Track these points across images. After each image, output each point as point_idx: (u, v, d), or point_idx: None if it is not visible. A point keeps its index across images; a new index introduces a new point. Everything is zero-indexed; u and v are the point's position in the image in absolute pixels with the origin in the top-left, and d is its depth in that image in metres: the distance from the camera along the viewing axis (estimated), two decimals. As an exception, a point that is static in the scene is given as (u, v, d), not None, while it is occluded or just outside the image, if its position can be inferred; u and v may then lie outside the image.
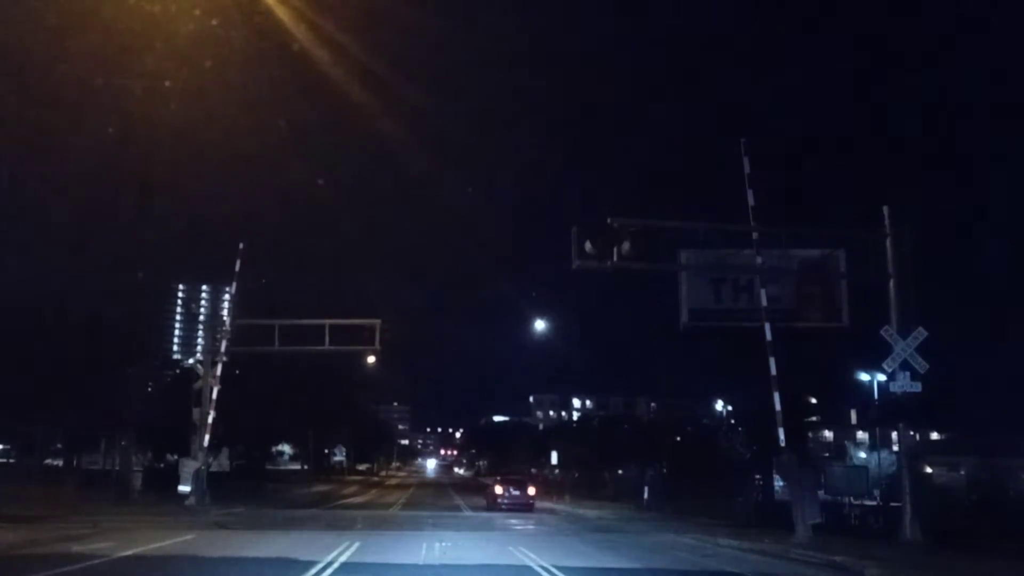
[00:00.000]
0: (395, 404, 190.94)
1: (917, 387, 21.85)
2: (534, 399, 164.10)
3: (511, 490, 40.78)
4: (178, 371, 52.87)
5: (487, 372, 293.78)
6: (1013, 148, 59.89)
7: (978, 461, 36.58)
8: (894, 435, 31.49)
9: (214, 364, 32.92)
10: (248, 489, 43.58)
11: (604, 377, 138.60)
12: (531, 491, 41.59)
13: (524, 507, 38.72)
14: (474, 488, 77.28)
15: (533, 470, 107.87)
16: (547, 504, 45.03)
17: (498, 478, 46.40)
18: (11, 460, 48.34)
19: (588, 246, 21.29)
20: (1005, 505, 26.42)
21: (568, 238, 21.73)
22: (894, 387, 22.23)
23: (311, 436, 68.26)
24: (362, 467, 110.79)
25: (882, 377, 25.44)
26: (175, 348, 35.16)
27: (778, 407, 23.41)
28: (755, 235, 24.11)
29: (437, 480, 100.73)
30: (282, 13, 19.08)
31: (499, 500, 39.96)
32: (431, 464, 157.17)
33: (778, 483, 32.89)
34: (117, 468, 37.98)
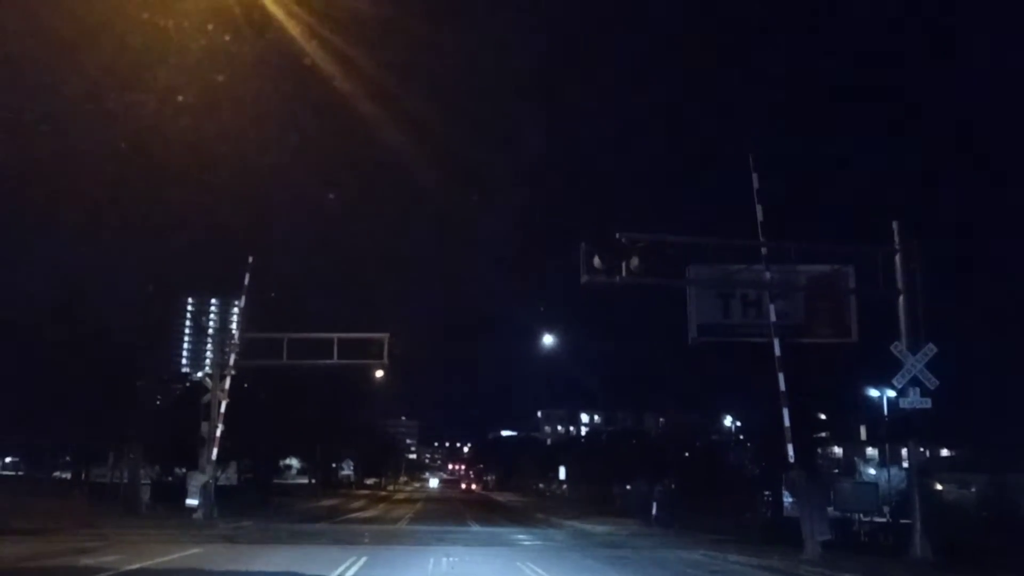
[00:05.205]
0: (403, 418, 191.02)
1: (927, 403, 21.76)
2: (542, 414, 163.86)
3: (470, 485, 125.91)
4: (187, 384, 53.05)
5: (495, 387, 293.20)
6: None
7: (989, 478, 36.33)
8: (904, 451, 31.37)
9: (223, 377, 32.92)
10: (256, 503, 43.51)
11: (612, 392, 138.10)
12: (473, 487, 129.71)
13: (470, 491, 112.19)
14: (482, 502, 77.17)
15: (541, 485, 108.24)
16: (554, 519, 44.93)
17: (463, 481, 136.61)
18: (20, 473, 48.47)
19: (597, 261, 21.24)
20: (1016, 523, 26.24)
21: (576, 252, 21.74)
22: (904, 403, 22.14)
23: (319, 450, 68.23)
24: (370, 481, 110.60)
25: (892, 393, 25.28)
26: (184, 361, 35.32)
27: (787, 423, 23.31)
28: (764, 250, 24.08)
29: (445, 495, 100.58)
30: (293, 29, 19.21)
31: (466, 489, 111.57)
32: (439, 479, 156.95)
33: (787, 499, 32.76)
34: (125, 481, 37.99)
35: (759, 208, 23.94)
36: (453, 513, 51.42)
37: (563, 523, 40.93)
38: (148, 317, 39.87)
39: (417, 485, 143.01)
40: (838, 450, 66.39)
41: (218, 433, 32.06)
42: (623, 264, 21.16)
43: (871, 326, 25.28)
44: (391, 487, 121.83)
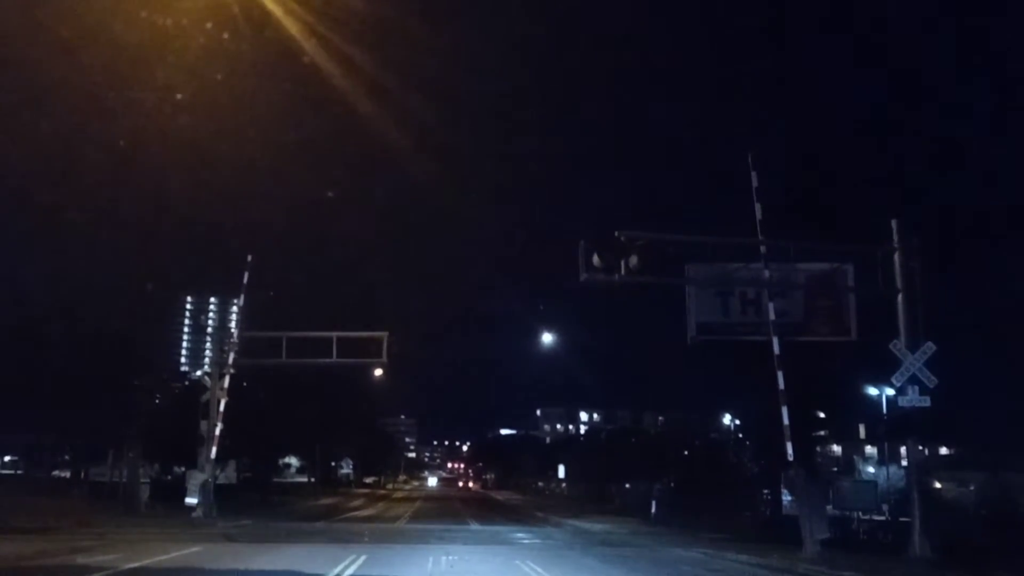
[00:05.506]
0: (402, 417, 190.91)
1: (926, 402, 21.73)
2: (541, 412, 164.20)
3: (467, 483, 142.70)
4: (186, 383, 53.04)
5: (494, 385, 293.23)
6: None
7: (988, 477, 36.41)
8: (903, 450, 31.39)
9: (222, 376, 32.91)
10: (255, 501, 43.54)
11: (612, 391, 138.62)
12: (472, 485, 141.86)
13: (468, 489, 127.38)
14: (481, 501, 77.20)
15: (540, 483, 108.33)
16: (553, 517, 44.94)
17: (460, 479, 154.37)
18: (19, 472, 48.45)
19: (596, 260, 21.21)
20: (1015, 521, 26.26)
21: (576, 251, 21.71)
22: (903, 401, 22.12)
23: (318, 449, 68.22)
24: (368, 480, 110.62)
25: (891, 391, 25.30)
26: (183, 360, 35.35)
27: (786, 421, 23.29)
28: (763, 249, 24.06)
29: (444, 494, 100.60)
30: (292, 27, 19.23)
31: (463, 487, 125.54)
32: (438, 477, 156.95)
33: (786, 498, 32.76)
34: (124, 480, 38.00)
35: (758, 207, 23.91)
36: (452, 512, 51.46)
37: (562, 521, 40.95)
38: (147, 316, 39.85)
39: (416, 483, 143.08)
40: (837, 448, 66.37)
41: (217, 432, 32.07)
42: (622, 262, 21.13)
43: (870, 324, 25.24)
44: (390, 486, 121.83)
